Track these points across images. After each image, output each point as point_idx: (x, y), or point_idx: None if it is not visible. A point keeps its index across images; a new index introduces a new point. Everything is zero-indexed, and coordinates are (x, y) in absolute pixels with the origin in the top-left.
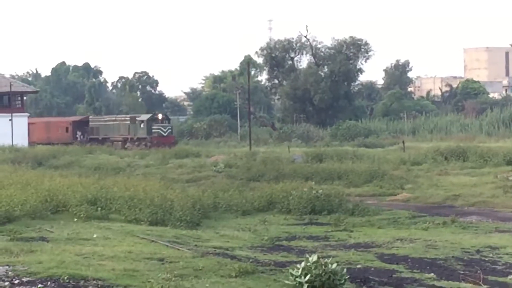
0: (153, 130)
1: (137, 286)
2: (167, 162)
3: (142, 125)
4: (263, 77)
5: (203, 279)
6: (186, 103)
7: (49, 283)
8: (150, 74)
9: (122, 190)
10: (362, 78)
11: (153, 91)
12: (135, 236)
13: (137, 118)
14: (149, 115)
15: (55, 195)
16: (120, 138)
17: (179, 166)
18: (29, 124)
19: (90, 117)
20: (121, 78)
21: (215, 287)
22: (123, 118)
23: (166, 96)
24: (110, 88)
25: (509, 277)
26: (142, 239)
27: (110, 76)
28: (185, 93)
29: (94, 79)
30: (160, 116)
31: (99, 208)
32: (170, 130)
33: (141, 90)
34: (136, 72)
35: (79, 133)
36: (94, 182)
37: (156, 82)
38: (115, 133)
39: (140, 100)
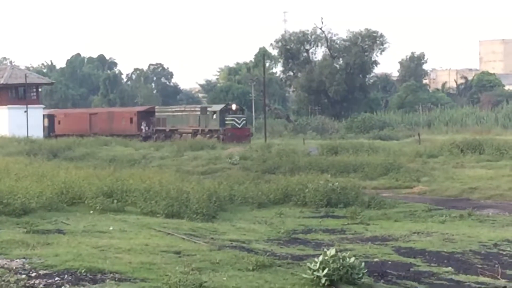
0: (226, 122)
1: (155, 279)
2: (182, 154)
3: (214, 116)
4: (278, 69)
5: (221, 273)
6: (200, 95)
7: (66, 276)
8: (165, 66)
9: (137, 182)
10: (377, 70)
11: (167, 82)
12: (151, 229)
13: (208, 109)
14: (222, 105)
15: (71, 187)
16: (190, 130)
17: (194, 158)
18: (90, 114)
19: (157, 107)
20: (136, 70)
21: (233, 281)
22: (193, 109)
23: (181, 88)
24: (125, 80)
25: None
26: (159, 232)
27: (125, 68)
28: (200, 85)
29: (109, 71)
30: (234, 106)
31: (115, 201)
32: (244, 122)
33: (156, 82)
34: (151, 64)
35: (144, 124)
36: (110, 174)
37: (171, 74)
38: (184, 125)
39: (155, 92)
